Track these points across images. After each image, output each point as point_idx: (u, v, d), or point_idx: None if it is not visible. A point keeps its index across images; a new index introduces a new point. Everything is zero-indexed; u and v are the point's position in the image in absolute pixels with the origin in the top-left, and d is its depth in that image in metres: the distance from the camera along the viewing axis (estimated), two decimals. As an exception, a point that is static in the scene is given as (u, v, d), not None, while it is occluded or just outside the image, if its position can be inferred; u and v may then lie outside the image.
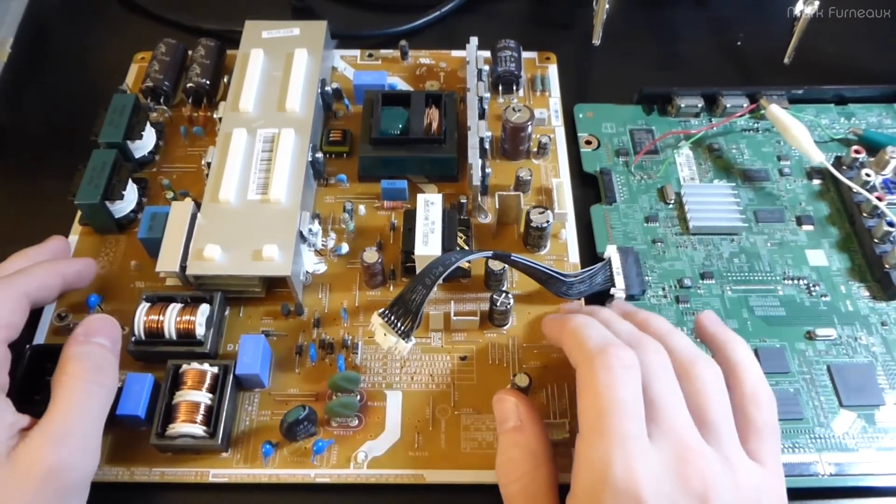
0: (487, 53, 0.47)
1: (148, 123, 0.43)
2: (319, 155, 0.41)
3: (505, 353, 0.37)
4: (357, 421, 0.35)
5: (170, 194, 0.42)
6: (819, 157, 0.42)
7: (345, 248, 0.40)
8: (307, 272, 0.39)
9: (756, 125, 0.46)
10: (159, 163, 0.44)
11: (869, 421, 0.35)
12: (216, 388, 0.34)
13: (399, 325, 0.33)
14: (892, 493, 0.34)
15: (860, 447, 0.35)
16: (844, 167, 0.43)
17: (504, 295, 0.36)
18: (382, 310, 0.33)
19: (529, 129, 0.41)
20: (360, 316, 0.38)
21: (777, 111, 0.43)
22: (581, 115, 0.46)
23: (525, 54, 0.47)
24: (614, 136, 0.45)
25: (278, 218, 0.37)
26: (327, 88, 0.44)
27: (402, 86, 0.47)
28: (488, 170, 0.41)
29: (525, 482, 0.31)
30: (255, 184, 0.38)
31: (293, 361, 0.37)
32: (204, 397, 0.33)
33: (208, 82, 0.45)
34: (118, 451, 0.34)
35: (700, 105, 0.45)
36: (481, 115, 0.42)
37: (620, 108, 0.46)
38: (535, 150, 0.43)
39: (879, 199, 0.41)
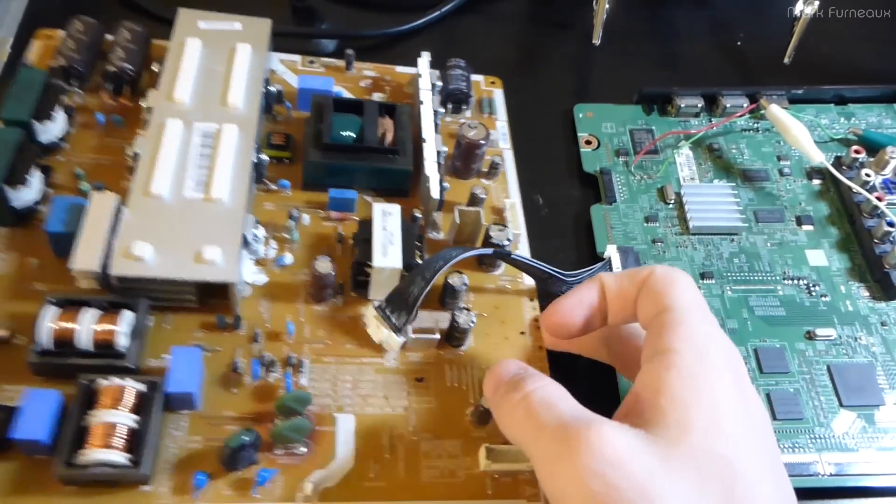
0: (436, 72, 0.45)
1: (59, 105, 0.38)
2: (265, 157, 0.38)
3: (464, 375, 0.35)
4: (305, 447, 0.31)
5: (85, 185, 0.37)
6: (819, 158, 0.42)
7: (288, 258, 0.37)
8: (246, 282, 0.35)
9: (756, 125, 0.46)
10: (69, 151, 0.38)
11: (869, 421, 0.35)
12: (141, 407, 0.29)
13: (393, 318, 0.33)
14: (892, 492, 0.34)
15: (860, 447, 0.35)
16: (844, 167, 0.43)
17: (467, 312, 0.35)
18: (377, 302, 0.33)
19: (484, 147, 0.40)
20: (306, 331, 0.35)
21: (777, 111, 0.43)
22: (581, 115, 0.46)
23: (473, 77, 0.46)
24: (614, 135, 0.45)
25: (221, 219, 0.34)
26: (271, 88, 0.41)
27: (348, 95, 0.44)
28: (446, 184, 0.39)
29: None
30: (193, 180, 0.35)
31: (228, 380, 0.32)
32: (126, 418, 0.28)
33: (133, 68, 0.40)
34: (12, 485, 0.28)
35: (700, 105, 0.45)
36: (436, 129, 0.40)
37: (620, 108, 0.46)
38: (486, 170, 0.42)
39: (879, 199, 0.41)
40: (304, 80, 0.42)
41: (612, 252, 0.39)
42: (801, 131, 0.42)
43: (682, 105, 0.45)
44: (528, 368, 0.29)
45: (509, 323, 0.37)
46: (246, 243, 0.35)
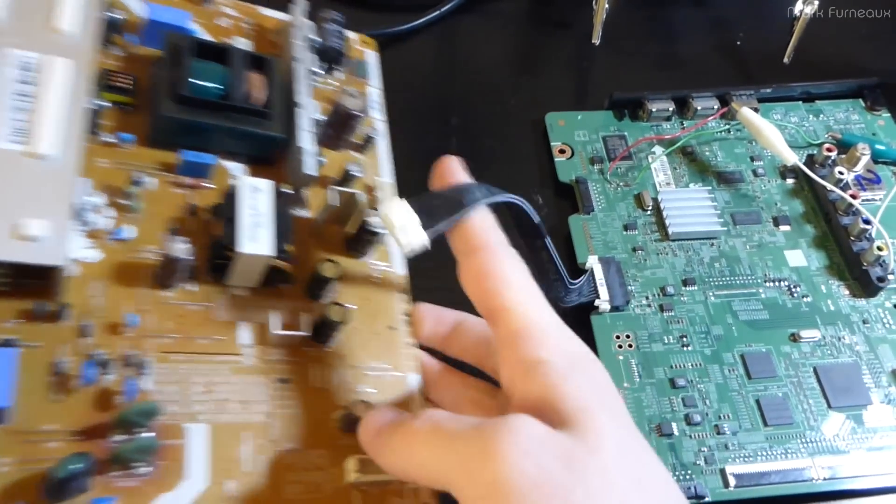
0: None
1: None
2: (107, 103, 0.32)
3: (332, 375, 0.31)
4: (148, 467, 0.26)
5: None
6: (793, 159, 0.42)
7: (128, 230, 0.30)
8: (73, 260, 0.29)
9: (727, 126, 0.46)
10: None
11: (857, 421, 0.35)
12: None
13: (427, 220, 0.28)
14: (886, 492, 0.34)
15: (851, 449, 0.35)
16: (817, 165, 0.43)
17: (343, 308, 0.31)
18: (411, 198, 0.29)
19: (362, 118, 0.36)
20: (150, 322, 0.29)
21: (748, 114, 0.43)
22: (553, 124, 0.45)
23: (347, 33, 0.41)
24: (587, 143, 0.44)
25: (47, 181, 0.27)
26: (114, 15, 0.34)
27: (207, 37, 0.37)
28: (323, 158, 0.34)
29: None
30: (7, 127, 0.28)
31: (49, 385, 0.26)
32: None
33: None
34: None
35: (671, 109, 0.45)
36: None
37: (592, 115, 0.46)
38: (358, 142, 0.37)
39: (854, 196, 0.41)
40: (155, 11, 0.35)
41: (593, 263, 0.38)
42: (772, 133, 0.42)
43: (654, 109, 0.45)
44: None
45: (380, 316, 0.33)
46: (77, 212, 0.29)
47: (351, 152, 0.37)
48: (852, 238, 0.40)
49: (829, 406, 0.36)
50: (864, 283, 0.39)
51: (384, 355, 0.32)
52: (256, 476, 0.28)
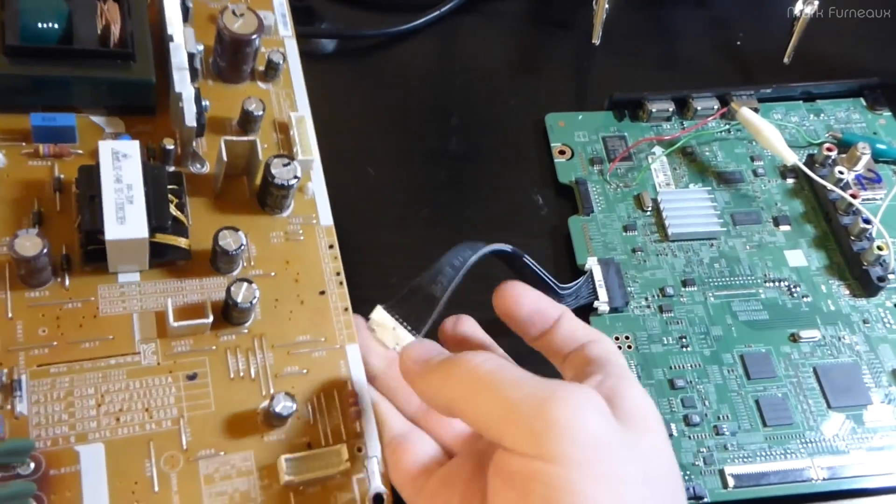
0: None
1: None
2: None
3: (250, 360, 0.27)
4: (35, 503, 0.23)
5: None
6: (793, 159, 0.42)
7: None
8: None
9: (727, 126, 0.46)
10: None
11: (857, 421, 0.35)
12: None
13: (409, 323, 0.28)
14: (886, 492, 0.34)
15: (851, 449, 0.35)
16: (817, 164, 0.43)
17: (247, 285, 0.26)
18: (389, 303, 0.28)
19: (257, 42, 0.30)
20: (18, 331, 0.25)
21: (748, 114, 0.43)
22: (553, 125, 0.45)
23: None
24: (587, 144, 0.44)
25: None
26: None
27: None
28: (205, 102, 0.29)
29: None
30: None
31: None
32: None
33: None
34: None
35: (671, 109, 0.45)
36: (185, 17, 0.30)
37: (592, 116, 0.46)
38: (263, 69, 0.32)
39: (854, 196, 0.41)
40: None
41: (592, 264, 0.38)
42: (772, 133, 0.42)
43: (654, 110, 0.45)
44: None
45: (305, 281, 0.29)
46: None
47: (259, 84, 0.32)
48: (852, 238, 0.40)
49: (829, 406, 0.36)
50: (864, 282, 0.39)
51: (315, 327, 0.29)
52: (170, 494, 0.24)
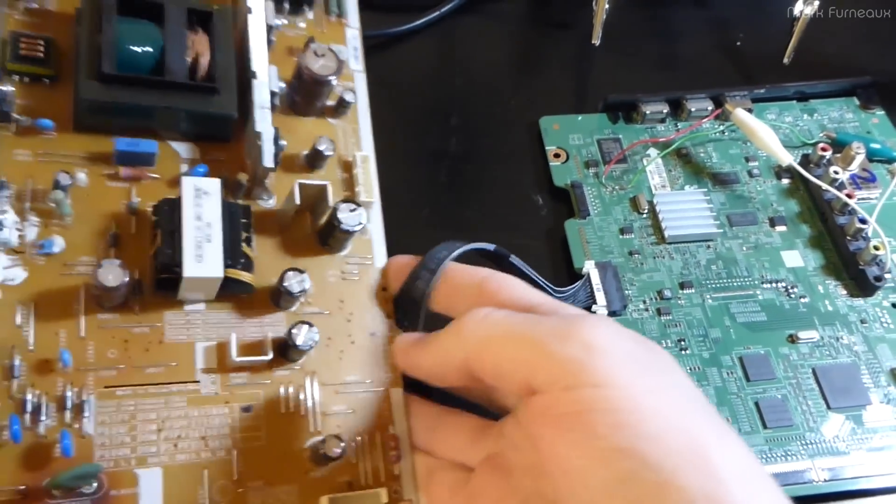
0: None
1: None
2: (9, 87, 0.26)
3: (300, 396, 0.28)
4: None
5: None
6: (788, 160, 0.42)
7: (58, 242, 0.26)
8: None
9: (721, 127, 0.46)
10: None
11: (857, 422, 0.35)
12: None
13: (406, 324, 0.29)
14: (887, 492, 0.34)
15: (851, 450, 0.35)
16: (812, 165, 0.43)
17: (308, 328, 0.27)
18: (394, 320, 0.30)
19: (334, 83, 0.31)
20: (89, 352, 0.25)
21: (743, 115, 0.43)
22: (547, 128, 0.45)
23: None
24: (582, 147, 0.44)
25: None
26: None
27: None
28: (283, 142, 0.29)
29: None
30: None
31: None
32: None
33: None
34: None
35: (665, 111, 0.45)
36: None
37: (586, 118, 0.46)
38: (334, 105, 0.32)
39: (849, 196, 0.41)
40: None
41: (590, 268, 0.38)
42: (767, 133, 0.42)
43: (648, 112, 0.45)
44: None
45: (356, 321, 0.30)
46: None
47: (328, 119, 0.32)
48: (848, 237, 0.40)
49: (829, 407, 0.36)
50: (861, 282, 0.39)
51: (362, 368, 0.29)
52: None
